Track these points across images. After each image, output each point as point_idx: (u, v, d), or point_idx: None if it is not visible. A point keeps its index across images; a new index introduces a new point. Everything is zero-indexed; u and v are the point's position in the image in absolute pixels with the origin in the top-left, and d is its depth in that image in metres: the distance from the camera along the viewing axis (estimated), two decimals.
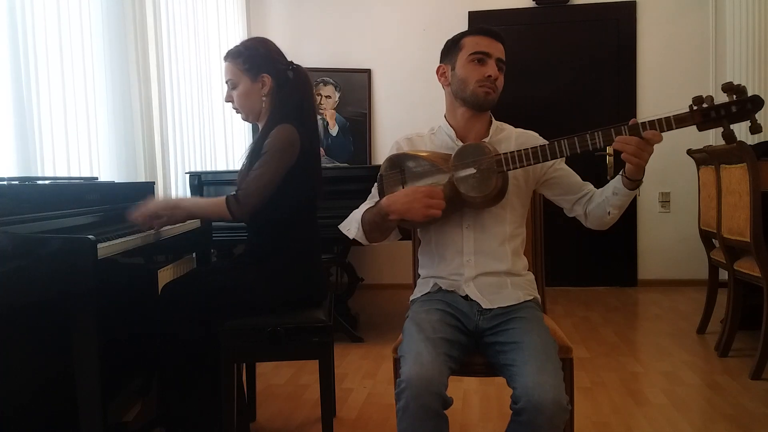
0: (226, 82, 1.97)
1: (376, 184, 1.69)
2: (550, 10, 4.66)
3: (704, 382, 2.59)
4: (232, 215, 1.82)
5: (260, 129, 1.95)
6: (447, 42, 1.68)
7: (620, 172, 1.50)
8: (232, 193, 1.84)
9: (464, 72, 1.60)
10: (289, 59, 2.02)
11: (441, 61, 1.69)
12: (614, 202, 1.54)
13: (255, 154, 1.87)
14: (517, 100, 4.59)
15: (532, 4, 4.67)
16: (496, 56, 1.59)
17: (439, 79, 1.68)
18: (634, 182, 1.48)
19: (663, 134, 1.40)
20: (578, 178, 1.66)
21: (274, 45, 2.01)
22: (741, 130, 3.93)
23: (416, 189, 1.52)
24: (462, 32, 1.65)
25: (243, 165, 1.92)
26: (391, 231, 1.64)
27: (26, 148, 2.12)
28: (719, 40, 4.41)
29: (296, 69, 1.98)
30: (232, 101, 1.97)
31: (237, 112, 2.00)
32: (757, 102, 1.38)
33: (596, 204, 1.59)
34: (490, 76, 1.58)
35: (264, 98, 1.94)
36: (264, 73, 1.92)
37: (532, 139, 1.65)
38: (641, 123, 1.41)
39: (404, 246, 1.87)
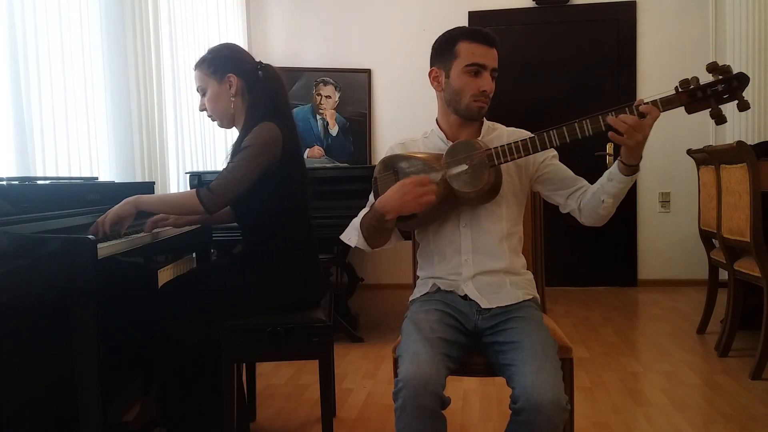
0: (197, 90, 1.95)
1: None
2: (550, 10, 4.66)
3: (704, 382, 2.59)
4: (204, 206, 1.77)
5: (239, 132, 1.93)
6: (440, 41, 1.62)
7: (618, 158, 1.48)
8: (205, 186, 1.80)
9: (459, 83, 1.57)
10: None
11: (433, 64, 1.64)
12: (609, 189, 1.51)
13: (236, 154, 1.84)
14: (516, 100, 4.59)
15: (532, 4, 4.67)
16: (491, 67, 1.57)
17: (432, 83, 1.65)
18: (631, 168, 1.46)
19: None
20: (571, 173, 1.64)
21: (239, 47, 2.01)
22: (740, 126, 3.94)
23: (404, 182, 1.51)
24: (456, 32, 1.60)
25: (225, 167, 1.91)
26: (390, 233, 1.64)
27: (25, 148, 2.12)
28: (719, 40, 4.42)
29: (266, 68, 1.95)
30: (205, 109, 1.95)
31: (212, 120, 1.98)
32: (742, 79, 1.37)
33: (591, 194, 1.56)
34: (485, 91, 1.57)
35: (233, 98, 1.91)
36: (230, 73, 1.90)
37: (524, 136, 1.64)
38: (629, 106, 1.40)
39: (404, 246, 1.87)
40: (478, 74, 1.56)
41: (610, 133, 1.40)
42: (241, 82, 1.91)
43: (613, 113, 1.40)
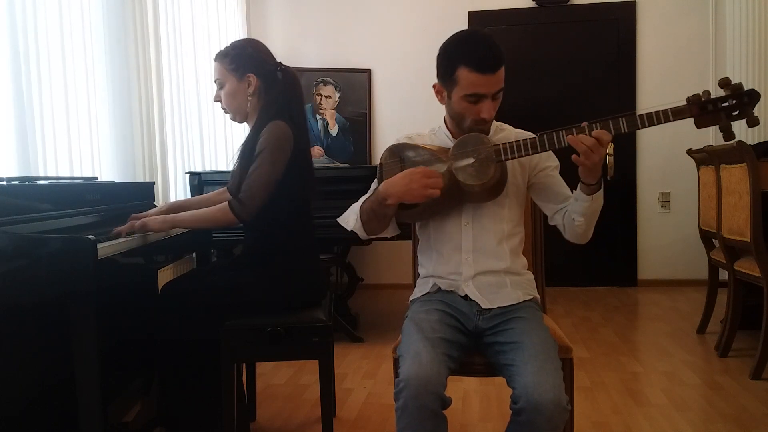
0: (215, 82, 1.97)
1: (375, 177, 1.69)
2: (550, 10, 4.66)
3: (704, 382, 2.59)
4: (238, 218, 1.82)
5: (250, 129, 1.95)
6: (441, 60, 1.55)
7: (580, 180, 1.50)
8: (234, 197, 1.83)
9: (459, 107, 1.55)
10: (286, 60, 2.02)
11: (437, 78, 1.59)
12: (576, 209, 1.53)
13: (247, 153, 1.86)
14: (517, 100, 4.59)
15: (532, 4, 4.67)
16: (492, 92, 1.50)
17: (436, 96, 1.62)
18: (590, 187, 1.47)
19: (662, 126, 1.42)
20: (566, 189, 1.63)
21: (263, 46, 2.01)
22: (740, 126, 3.94)
23: (413, 171, 1.52)
24: (456, 55, 1.51)
25: (235, 165, 1.91)
26: (389, 220, 1.63)
27: (26, 148, 2.12)
28: (719, 40, 4.41)
29: (285, 70, 1.97)
30: (220, 101, 1.98)
31: (225, 112, 2.00)
32: (753, 96, 1.38)
33: (568, 213, 1.58)
34: (484, 118, 1.53)
35: (250, 98, 1.93)
36: (250, 73, 1.92)
37: None
38: (637, 115, 1.40)
39: (404, 246, 1.88)
40: (478, 101, 1.51)
41: (573, 156, 1.42)
42: (260, 82, 1.93)
43: (622, 120, 1.42)
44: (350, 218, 1.65)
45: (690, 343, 3.16)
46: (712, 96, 1.41)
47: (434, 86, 1.62)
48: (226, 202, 1.84)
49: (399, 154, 1.63)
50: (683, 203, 4.53)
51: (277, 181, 1.83)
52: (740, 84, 1.40)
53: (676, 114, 1.41)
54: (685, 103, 1.41)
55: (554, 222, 1.66)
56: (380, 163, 1.67)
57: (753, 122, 1.39)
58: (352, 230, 1.65)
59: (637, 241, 4.66)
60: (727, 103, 1.39)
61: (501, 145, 1.51)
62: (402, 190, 1.50)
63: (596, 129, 1.42)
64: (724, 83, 1.41)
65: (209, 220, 1.89)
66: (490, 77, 1.48)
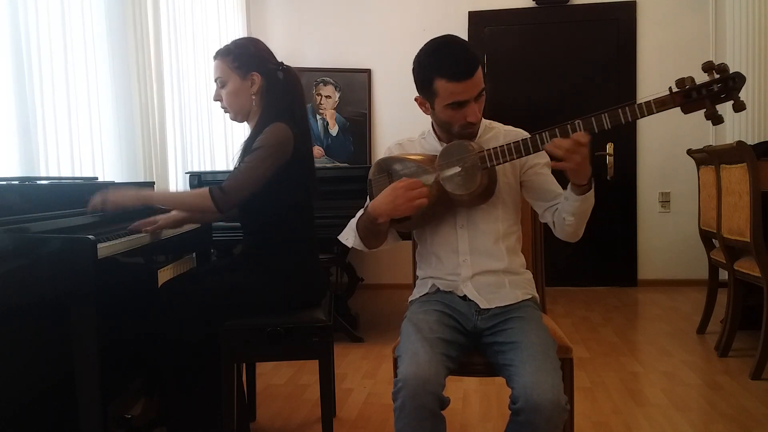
0: (215, 81, 1.95)
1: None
2: (550, 10, 4.66)
3: (704, 382, 2.59)
4: (216, 206, 1.79)
5: (251, 129, 1.94)
6: (417, 74, 1.54)
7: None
8: (218, 186, 1.80)
9: (444, 116, 1.54)
10: (286, 60, 2.02)
11: (417, 90, 1.58)
12: (566, 207, 1.51)
13: (247, 152, 1.86)
14: (516, 100, 4.60)
15: (532, 4, 4.67)
16: (474, 95, 1.49)
17: (420, 107, 1.61)
18: (580, 187, 1.45)
19: (653, 116, 1.38)
20: (556, 187, 1.61)
21: (264, 45, 2.00)
22: (740, 126, 3.94)
23: (395, 186, 1.51)
24: (429, 68, 1.50)
25: (236, 165, 1.91)
26: (385, 235, 1.65)
27: (29, 148, 2.13)
28: (719, 39, 4.41)
29: (286, 69, 1.97)
30: (220, 100, 1.96)
31: (225, 112, 1.97)
32: (739, 79, 1.34)
33: (558, 211, 1.56)
34: (471, 122, 1.53)
35: (253, 97, 1.92)
36: (254, 72, 1.91)
37: (520, 136, 1.59)
38: (618, 109, 1.38)
39: (404, 246, 1.87)
40: (462, 107, 1.51)
41: (552, 163, 1.40)
42: (263, 81, 1.92)
43: (605, 115, 1.39)
44: (349, 236, 1.65)
45: (690, 343, 3.16)
46: (698, 82, 1.36)
47: (416, 99, 1.61)
48: (207, 188, 1.81)
49: (386, 168, 1.63)
50: (683, 203, 4.53)
51: (264, 179, 1.81)
52: (725, 65, 1.34)
53: (660, 105, 1.36)
54: (667, 92, 1.37)
55: (544, 219, 1.65)
56: (369, 180, 1.67)
57: (739, 107, 1.35)
58: (353, 246, 1.65)
59: (637, 241, 4.66)
60: (712, 88, 1.35)
61: (486, 152, 1.50)
62: (389, 207, 1.50)
63: (579, 126, 1.40)
64: (708, 67, 1.36)
65: (185, 203, 1.87)
66: (468, 82, 1.47)
